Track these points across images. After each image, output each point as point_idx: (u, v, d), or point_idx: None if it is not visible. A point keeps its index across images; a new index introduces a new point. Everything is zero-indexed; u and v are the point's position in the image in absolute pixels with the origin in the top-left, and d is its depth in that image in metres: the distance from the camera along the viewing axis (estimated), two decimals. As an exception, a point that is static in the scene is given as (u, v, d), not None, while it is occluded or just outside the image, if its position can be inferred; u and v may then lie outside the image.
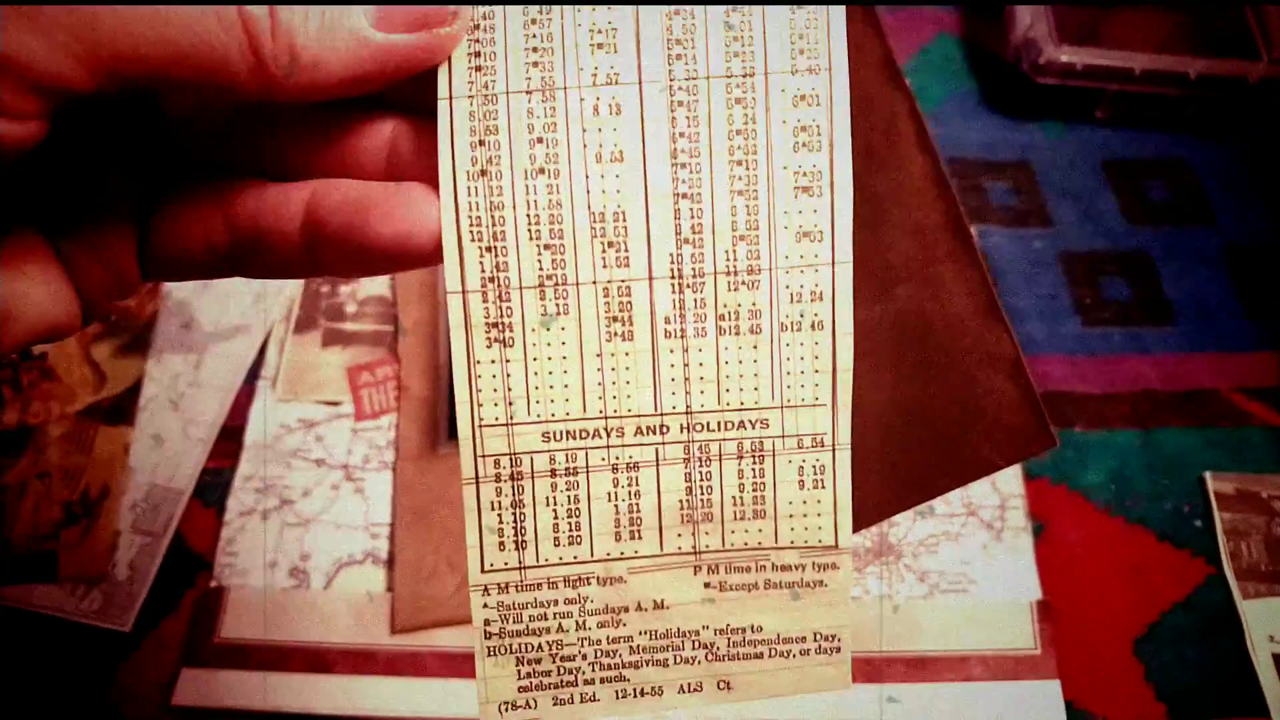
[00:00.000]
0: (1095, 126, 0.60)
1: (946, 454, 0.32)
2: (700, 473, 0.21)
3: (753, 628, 0.22)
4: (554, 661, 0.21)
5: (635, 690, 0.21)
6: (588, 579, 0.21)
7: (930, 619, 0.41)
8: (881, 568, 0.43)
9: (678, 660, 0.22)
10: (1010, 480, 0.45)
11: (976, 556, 0.43)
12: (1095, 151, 0.59)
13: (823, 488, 0.22)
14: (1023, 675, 0.40)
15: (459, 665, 0.40)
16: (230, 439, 0.46)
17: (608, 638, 0.21)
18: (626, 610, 0.21)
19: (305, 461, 0.45)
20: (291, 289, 0.50)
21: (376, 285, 0.51)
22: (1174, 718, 0.42)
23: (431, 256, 0.19)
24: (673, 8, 0.19)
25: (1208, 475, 0.47)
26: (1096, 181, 0.58)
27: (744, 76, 0.20)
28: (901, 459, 0.34)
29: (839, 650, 0.21)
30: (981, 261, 0.33)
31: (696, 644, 0.22)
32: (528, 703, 0.21)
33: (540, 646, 0.21)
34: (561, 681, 0.21)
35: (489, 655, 0.21)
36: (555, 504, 0.21)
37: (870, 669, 0.40)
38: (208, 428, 0.45)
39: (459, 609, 0.41)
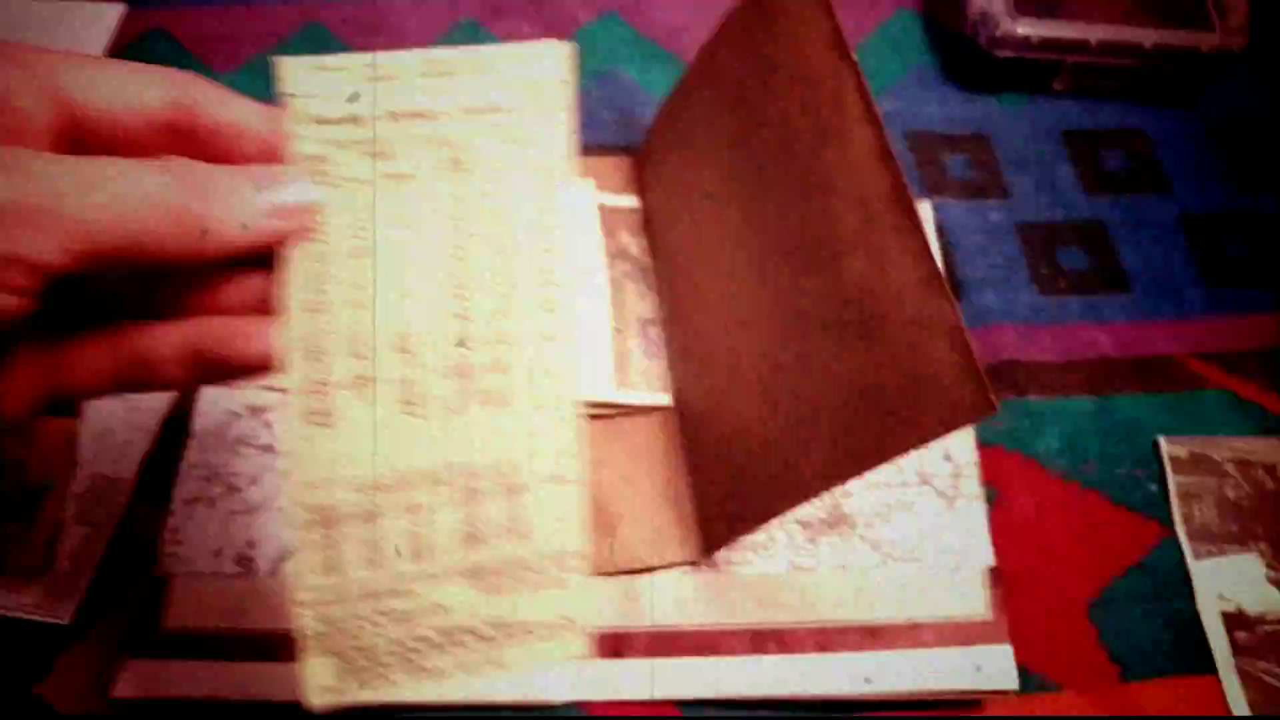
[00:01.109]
0: (1052, 98, 0.62)
1: (890, 423, 0.34)
2: (468, 510, 0.28)
3: (516, 619, 0.29)
4: (363, 657, 0.28)
5: (426, 672, 0.29)
6: (386, 594, 0.28)
7: (883, 588, 0.43)
8: (836, 538, 0.44)
9: (459, 647, 0.29)
10: (963, 449, 0.46)
11: (930, 525, 0.44)
12: (1053, 123, 0.61)
13: (566, 511, 0.29)
14: (975, 641, 0.42)
15: None
16: (176, 427, 0.47)
17: (405, 636, 0.28)
18: (418, 614, 0.28)
19: (252, 448, 0.46)
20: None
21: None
22: (1126, 679, 0.43)
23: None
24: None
25: (1161, 439, 0.49)
26: (1054, 152, 0.60)
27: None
28: (846, 430, 0.36)
29: (578, 628, 0.29)
30: (924, 232, 0.34)
31: (474, 635, 0.29)
32: (343, 689, 0.28)
33: (353, 647, 0.28)
34: (369, 671, 0.28)
35: (312, 655, 0.28)
36: (360, 539, 0.28)
37: (822, 638, 0.42)
38: (153, 416, 0.46)
39: None
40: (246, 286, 0.27)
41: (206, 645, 0.41)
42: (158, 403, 0.47)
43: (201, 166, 0.24)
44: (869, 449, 0.34)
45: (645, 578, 0.43)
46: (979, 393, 0.31)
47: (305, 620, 0.27)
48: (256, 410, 0.47)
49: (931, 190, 0.56)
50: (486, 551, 0.29)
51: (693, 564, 0.43)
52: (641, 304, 0.49)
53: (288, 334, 0.27)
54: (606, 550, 0.43)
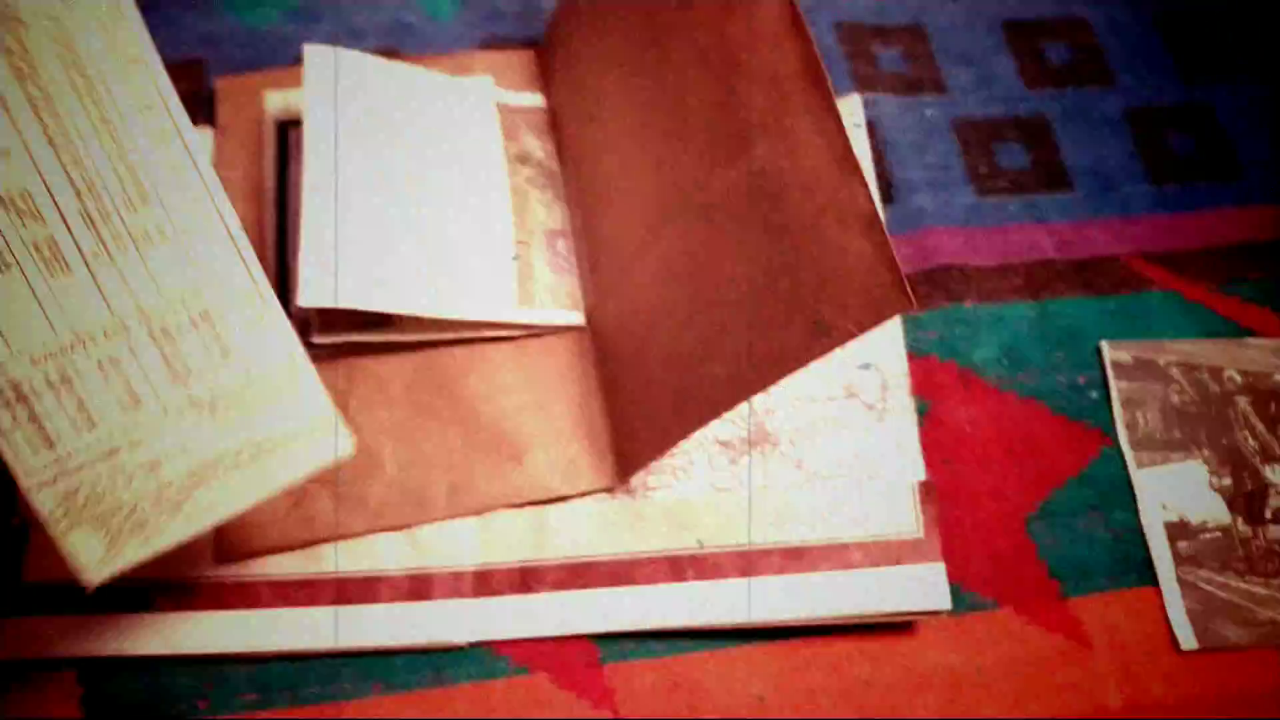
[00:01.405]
0: (991, -17, 0.58)
1: (802, 323, 0.31)
2: (165, 348, 0.29)
3: (262, 437, 0.30)
4: (123, 516, 0.28)
5: (196, 510, 0.29)
6: (121, 449, 0.28)
7: (808, 508, 0.40)
8: (758, 458, 0.41)
9: (217, 479, 0.30)
10: (893, 359, 0.44)
11: (857, 440, 0.42)
12: (992, 12, 0.57)
13: (261, 321, 0.31)
14: (905, 560, 0.39)
15: (293, 593, 0.39)
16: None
17: (158, 483, 0.29)
18: (162, 459, 0.29)
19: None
20: None
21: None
22: (1065, 594, 0.42)
23: None
24: None
25: (1104, 344, 0.47)
26: (993, 44, 0.56)
27: None
28: (760, 334, 0.33)
29: (327, 422, 0.32)
30: (837, 111, 0.31)
31: (225, 465, 0.30)
32: (118, 554, 0.28)
33: (108, 511, 0.28)
34: (136, 527, 0.28)
35: (70, 533, 0.27)
36: (65, 407, 0.28)
37: (744, 562, 0.39)
38: None
39: (293, 531, 0.39)
40: None
41: (68, 597, 0.37)
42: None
43: None
44: (782, 354, 0.31)
45: (556, 508, 0.40)
46: (894, 285, 0.28)
47: (43, 502, 0.27)
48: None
49: (863, 85, 0.53)
50: (199, 383, 0.30)
51: (608, 491, 0.40)
52: (548, 214, 0.46)
53: None
54: (514, 480, 0.40)
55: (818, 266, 0.31)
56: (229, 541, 0.39)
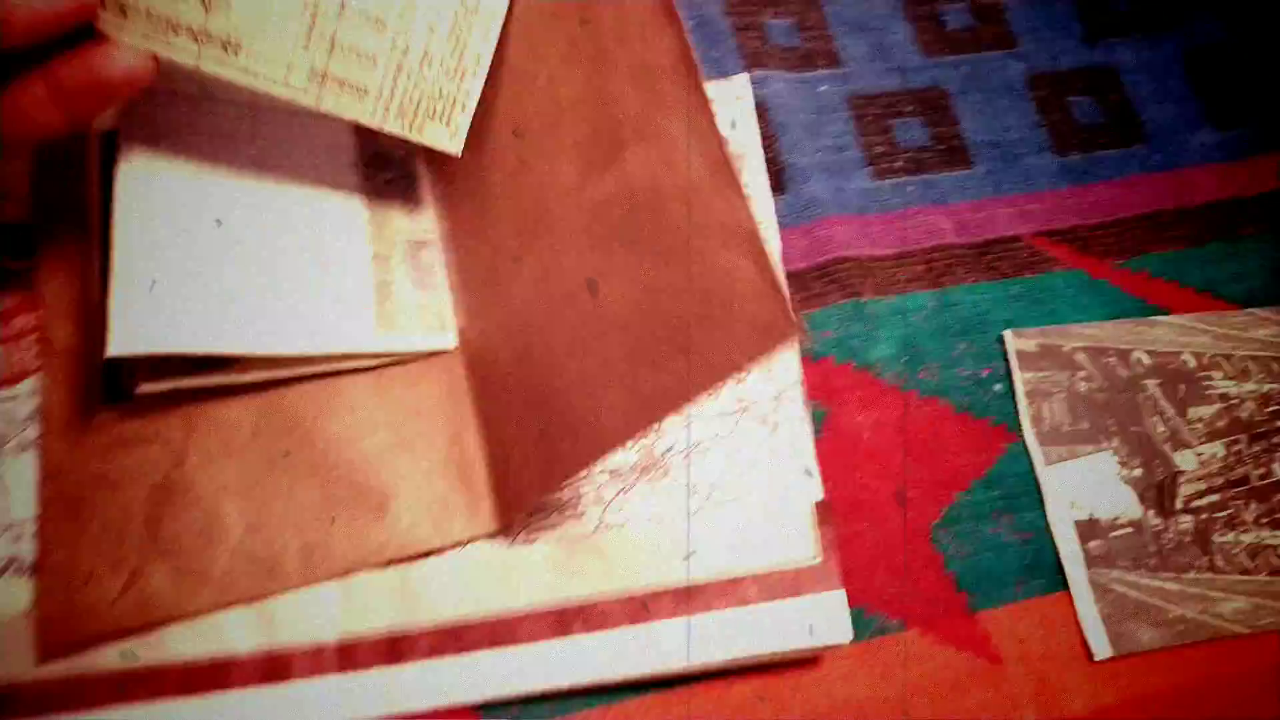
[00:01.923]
0: (884, -56, 0.55)
1: (688, 357, 0.28)
2: None
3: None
4: (440, 100, 0.37)
5: (470, 68, 0.37)
6: (399, 66, 0.36)
7: (703, 540, 0.38)
8: (648, 486, 0.39)
9: (462, 36, 0.36)
10: (785, 367, 0.42)
11: (751, 459, 0.40)
12: (886, -28, 0.54)
13: None
14: (803, 590, 0.38)
15: (130, 687, 0.35)
16: None
17: (435, 67, 0.37)
18: (424, 52, 0.36)
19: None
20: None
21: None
22: (975, 608, 0.40)
23: (129, 84, 0.31)
24: None
25: (1007, 334, 0.45)
26: (890, 9, 0.53)
27: None
28: (647, 364, 0.30)
29: None
30: (710, 110, 0.28)
31: (456, 22, 0.36)
32: (454, 126, 0.38)
33: (428, 103, 0.37)
34: (450, 104, 0.38)
35: (422, 131, 0.38)
36: (350, 62, 0.35)
37: (635, 607, 0.37)
38: None
39: (127, 615, 0.35)
40: (84, 54, 0.30)
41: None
42: None
43: None
44: (669, 390, 0.29)
45: (425, 563, 0.37)
46: (781, 313, 0.26)
47: (394, 127, 0.38)
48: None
49: (752, 61, 0.50)
50: None
51: (486, 538, 0.38)
52: (411, 221, 0.42)
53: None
54: (378, 535, 0.37)
55: (704, 291, 0.28)
56: (53, 634, 0.35)
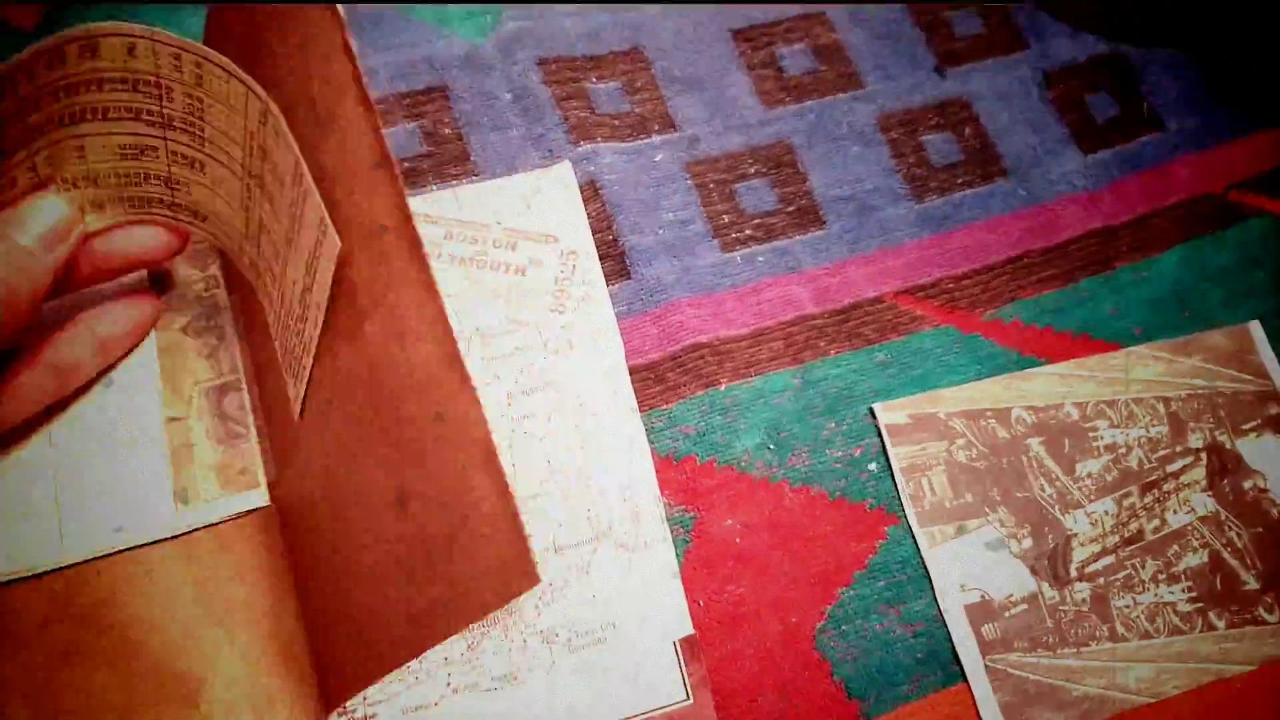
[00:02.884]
0: (714, -12, 0.54)
1: (439, 584, 0.26)
2: None
3: None
4: None
5: None
6: None
7: (562, 696, 0.36)
8: (499, 638, 0.37)
9: None
10: (639, 479, 0.40)
11: (614, 590, 0.38)
12: (719, 19, 0.53)
13: None
14: (676, 734, 0.36)
15: None
16: None
17: None
18: None
19: None
20: None
21: None
22: (868, 714, 0.39)
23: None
24: None
25: (877, 407, 0.44)
26: (724, 59, 0.53)
27: None
28: (405, 584, 0.28)
29: None
30: (433, 283, 0.26)
31: None
32: None
33: None
34: None
35: None
36: None
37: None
38: None
39: None
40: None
41: None
42: None
43: None
44: (436, 617, 0.27)
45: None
46: (518, 554, 0.23)
47: None
48: None
49: (579, 136, 0.49)
50: None
51: (319, 720, 0.35)
52: (211, 365, 0.40)
53: None
54: None
55: (447, 504, 0.26)
56: None
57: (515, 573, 0.24)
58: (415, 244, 0.27)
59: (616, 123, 0.50)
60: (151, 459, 0.38)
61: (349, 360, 0.30)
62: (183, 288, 0.41)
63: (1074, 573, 0.42)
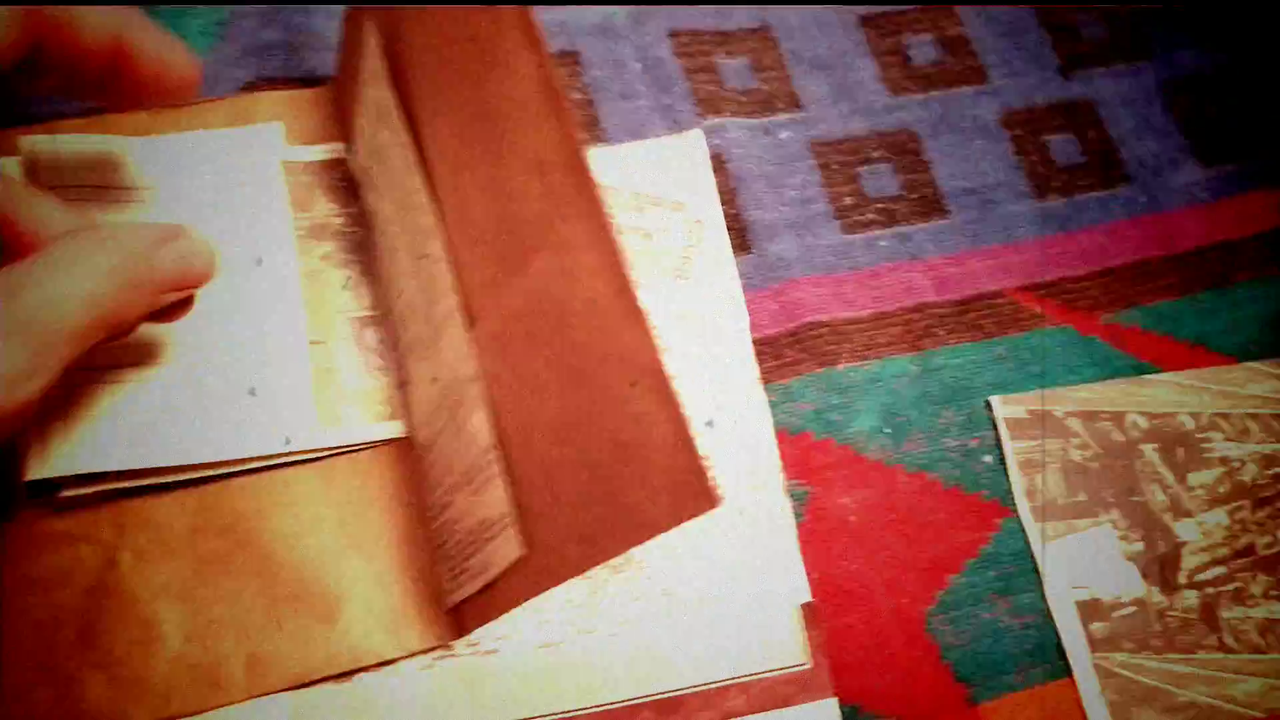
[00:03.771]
0: (846, -27, 0.56)
1: (606, 505, 0.27)
2: None
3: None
4: None
5: None
6: None
7: (680, 646, 0.38)
8: (621, 587, 0.38)
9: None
10: (761, 445, 0.41)
11: (728, 554, 0.40)
12: (848, 4, 0.54)
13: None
14: (793, 698, 0.37)
15: None
16: None
17: None
18: None
19: None
20: None
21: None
22: (975, 700, 0.40)
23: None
24: None
25: (995, 400, 0.45)
26: (851, 44, 0.54)
27: None
28: (564, 507, 0.29)
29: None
30: (605, 216, 0.27)
31: None
32: None
33: None
34: None
35: None
36: None
37: (610, 722, 0.36)
38: None
39: None
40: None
41: None
42: None
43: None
44: (597, 537, 0.28)
45: (384, 677, 0.37)
46: (692, 475, 0.24)
47: None
48: None
49: (706, 109, 0.50)
50: (463, 458, 0.35)
51: (445, 648, 0.37)
52: (354, 297, 0.41)
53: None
54: (327, 644, 0.36)
55: (614, 431, 0.27)
56: None
57: (691, 494, 0.25)
58: (585, 178, 0.27)
59: (743, 98, 0.52)
60: (297, 380, 0.39)
61: (515, 293, 0.31)
62: (324, 220, 0.43)
63: (1183, 579, 0.43)
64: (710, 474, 0.25)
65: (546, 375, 0.30)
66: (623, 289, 0.26)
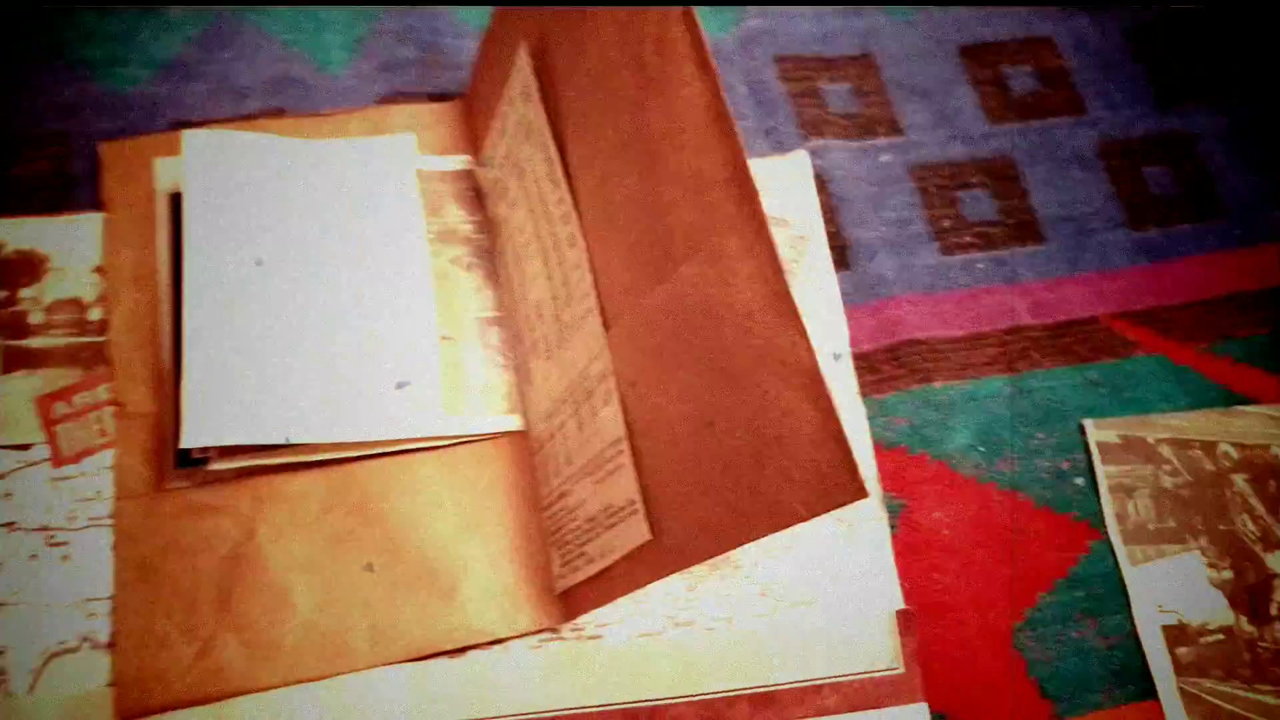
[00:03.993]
0: (946, 6, 0.57)
1: (742, 494, 0.29)
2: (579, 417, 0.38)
3: (615, 504, 0.35)
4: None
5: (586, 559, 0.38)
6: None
7: (775, 643, 0.39)
8: (718, 584, 0.40)
9: (592, 538, 0.37)
10: (859, 457, 0.42)
11: (827, 559, 0.41)
12: (948, 35, 0.56)
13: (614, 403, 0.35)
14: (884, 701, 0.39)
15: None
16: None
17: (572, 527, 0.39)
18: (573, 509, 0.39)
19: (-10, 527, 0.40)
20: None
21: (68, 283, 0.44)
22: (1059, 715, 0.41)
23: None
24: None
25: (1088, 423, 0.46)
26: (951, 72, 0.55)
27: None
28: (698, 494, 0.31)
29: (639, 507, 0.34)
30: (768, 230, 0.28)
31: (594, 522, 0.37)
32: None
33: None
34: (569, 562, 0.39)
35: None
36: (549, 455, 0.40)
37: (709, 713, 0.38)
38: None
39: (199, 684, 0.37)
40: None
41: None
42: None
43: None
44: (729, 525, 0.29)
45: (496, 654, 0.39)
46: (842, 467, 0.26)
47: None
48: (-11, 478, 0.40)
49: (809, 131, 0.52)
50: (588, 449, 0.36)
51: (551, 631, 0.39)
52: (478, 299, 0.44)
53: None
54: (445, 621, 0.39)
55: (758, 427, 0.29)
56: (130, 697, 0.37)
57: (839, 485, 0.27)
58: (749, 194, 0.29)
59: (845, 122, 0.53)
60: (428, 371, 0.42)
61: (658, 298, 0.33)
62: (454, 226, 0.45)
63: (1274, 610, 0.44)
64: (858, 468, 0.27)
65: (688, 374, 0.32)
66: (780, 294, 0.28)
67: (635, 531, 0.33)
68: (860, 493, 0.26)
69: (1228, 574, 0.44)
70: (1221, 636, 0.43)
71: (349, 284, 0.40)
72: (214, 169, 0.41)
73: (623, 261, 0.34)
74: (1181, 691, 0.42)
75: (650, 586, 0.38)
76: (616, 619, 0.40)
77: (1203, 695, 0.42)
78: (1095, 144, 0.54)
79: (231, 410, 0.37)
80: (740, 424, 0.29)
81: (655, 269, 0.32)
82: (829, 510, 0.27)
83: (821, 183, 0.51)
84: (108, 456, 0.41)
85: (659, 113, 0.32)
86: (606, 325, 0.35)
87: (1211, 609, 0.43)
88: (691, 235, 0.31)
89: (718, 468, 0.30)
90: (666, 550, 0.32)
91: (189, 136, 0.41)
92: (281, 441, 0.38)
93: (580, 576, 0.37)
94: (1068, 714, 0.41)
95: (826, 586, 0.41)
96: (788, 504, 0.27)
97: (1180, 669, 0.42)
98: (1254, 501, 0.46)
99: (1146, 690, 0.42)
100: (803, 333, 0.27)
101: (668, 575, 0.33)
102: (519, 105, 0.40)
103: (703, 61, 0.30)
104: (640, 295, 0.33)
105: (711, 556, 0.30)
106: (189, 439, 0.37)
